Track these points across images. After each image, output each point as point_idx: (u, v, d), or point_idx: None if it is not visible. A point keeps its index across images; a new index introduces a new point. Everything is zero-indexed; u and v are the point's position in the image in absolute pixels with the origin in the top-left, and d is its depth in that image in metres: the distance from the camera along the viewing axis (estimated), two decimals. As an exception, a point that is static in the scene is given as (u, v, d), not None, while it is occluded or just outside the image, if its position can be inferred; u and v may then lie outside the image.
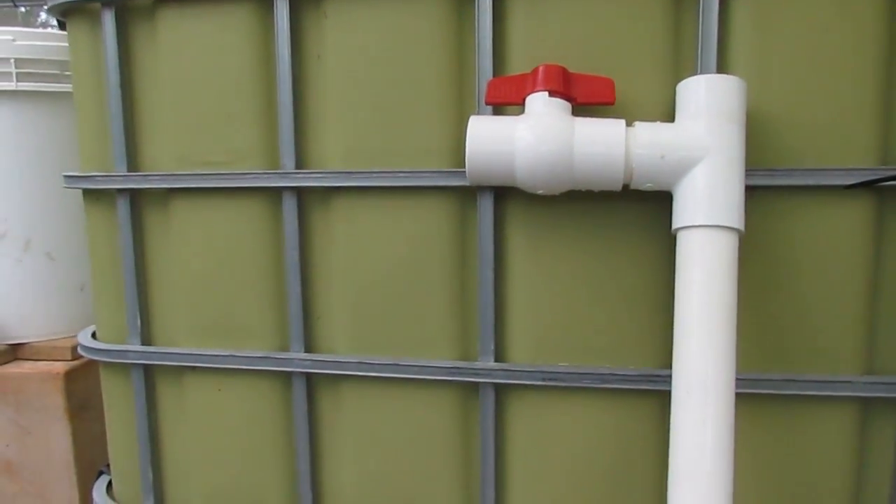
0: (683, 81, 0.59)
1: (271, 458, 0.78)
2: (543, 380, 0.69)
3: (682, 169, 0.57)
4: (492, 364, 0.70)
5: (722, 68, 0.63)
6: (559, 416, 0.70)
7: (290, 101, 0.70)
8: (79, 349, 0.85)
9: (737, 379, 0.56)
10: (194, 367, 0.78)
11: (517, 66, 0.66)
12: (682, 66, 0.64)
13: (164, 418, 0.82)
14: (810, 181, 0.61)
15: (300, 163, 0.72)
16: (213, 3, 0.71)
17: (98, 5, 0.74)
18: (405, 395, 0.73)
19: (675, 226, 0.59)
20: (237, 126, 0.73)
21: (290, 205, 0.72)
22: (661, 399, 0.67)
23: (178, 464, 0.82)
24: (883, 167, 0.61)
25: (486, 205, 0.68)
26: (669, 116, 0.62)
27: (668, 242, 0.63)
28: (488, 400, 0.71)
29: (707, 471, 0.53)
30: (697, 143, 0.56)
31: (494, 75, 0.66)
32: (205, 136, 0.73)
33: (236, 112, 0.72)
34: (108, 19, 0.73)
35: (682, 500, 0.54)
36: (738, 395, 0.56)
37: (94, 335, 0.85)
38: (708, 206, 0.56)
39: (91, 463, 1.08)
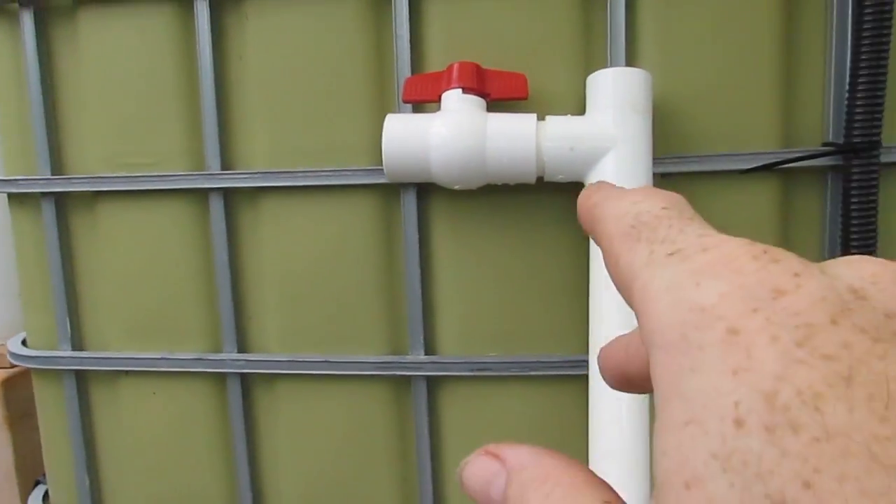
0: (592, 75, 0.61)
1: (209, 459, 0.78)
2: (472, 370, 0.70)
3: (592, 160, 0.59)
4: (422, 357, 0.71)
5: (631, 61, 0.65)
6: (490, 404, 0.72)
7: (213, 102, 0.71)
8: (8, 357, 0.84)
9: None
10: (128, 371, 0.78)
11: (435, 63, 0.67)
12: (593, 60, 0.66)
13: (98, 424, 0.82)
14: (718, 166, 0.64)
15: (226, 164, 0.72)
16: (133, 4, 0.71)
17: (16, 6, 0.73)
18: (339, 392, 0.74)
19: (587, 214, 0.60)
20: (162, 128, 0.73)
21: (216, 206, 0.73)
22: (585, 383, 0.68)
23: (115, 470, 0.82)
24: (785, 150, 0.64)
25: (409, 201, 0.69)
26: (582, 109, 0.63)
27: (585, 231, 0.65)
28: (420, 392, 0.72)
29: (625, 449, 0.55)
30: (605, 134, 0.58)
31: (413, 73, 0.67)
32: (130, 138, 0.73)
33: (161, 114, 0.72)
34: (28, 20, 0.72)
35: (602, 474, 0.56)
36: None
37: (24, 342, 0.84)
38: (616, 195, 0.57)
39: (34, 473, 1.06)
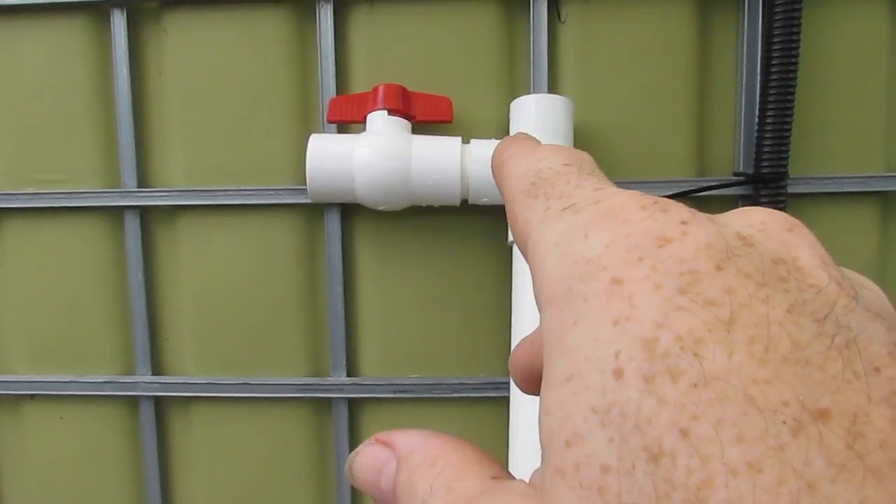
0: (515, 100, 0.62)
1: (119, 487, 0.75)
2: (395, 392, 0.70)
3: (514, 184, 0.59)
4: (344, 379, 0.70)
5: (553, 89, 0.66)
6: (412, 426, 0.70)
7: (129, 118, 0.69)
8: None
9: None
10: (33, 395, 0.74)
11: (360, 84, 0.67)
12: (517, 85, 0.67)
13: (1, 451, 0.77)
14: (635, 194, 0.66)
15: (143, 181, 0.70)
16: (44, 16, 0.68)
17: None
18: (257, 415, 0.72)
19: (510, 238, 0.61)
20: (75, 144, 0.70)
21: (132, 224, 0.70)
22: (507, 405, 0.69)
23: (18, 499, 0.78)
24: (699, 178, 0.66)
25: (333, 221, 0.69)
26: (506, 133, 0.64)
27: (508, 254, 0.66)
28: (342, 415, 0.71)
29: (542, 471, 0.55)
30: (527, 158, 0.59)
31: (338, 93, 0.67)
32: (40, 154, 0.70)
33: (73, 129, 0.70)
34: (-70, 31, 0.69)
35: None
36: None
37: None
38: (538, 219, 0.58)
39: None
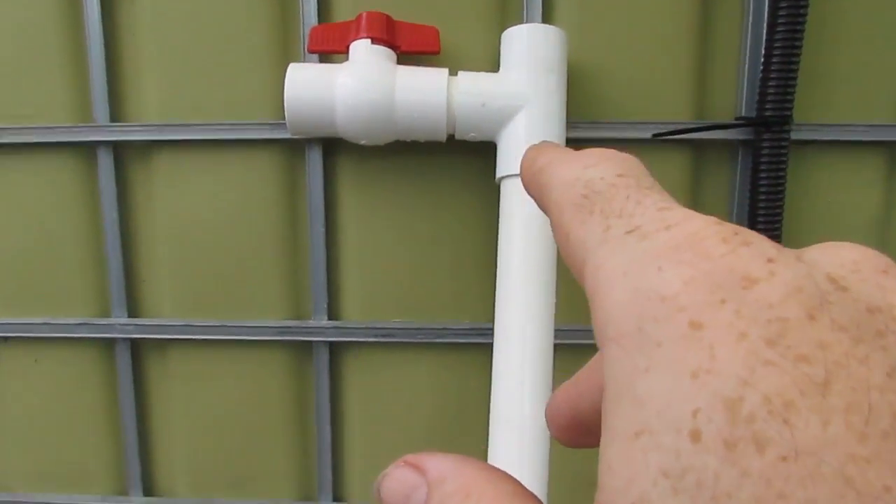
0: (507, 31, 0.59)
1: (95, 431, 0.74)
2: (377, 336, 0.68)
3: (504, 118, 0.56)
4: (325, 322, 0.68)
5: (547, 19, 0.63)
6: (393, 371, 0.69)
7: (101, 49, 0.65)
8: None
9: (557, 330, 0.56)
10: (7, 338, 0.72)
11: (343, 13, 0.64)
12: (509, 15, 0.64)
13: (-27, 394, 0.76)
14: (630, 134, 0.63)
15: (115, 116, 0.67)
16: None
17: None
18: (236, 358, 0.70)
19: (498, 175, 0.58)
20: (42, 76, 0.66)
21: (105, 161, 0.67)
22: (490, 352, 0.67)
23: (-7, 442, 0.76)
24: (697, 121, 0.63)
25: (314, 158, 0.66)
26: (496, 68, 0.61)
27: (495, 193, 0.63)
28: (322, 358, 0.69)
29: (524, 415, 0.54)
30: (517, 91, 0.56)
31: (320, 22, 0.63)
32: (6, 88, 0.67)
33: (40, 60, 0.66)
34: None
35: (501, 443, 0.55)
36: (558, 346, 0.56)
37: None
38: (527, 155, 0.56)
39: None
